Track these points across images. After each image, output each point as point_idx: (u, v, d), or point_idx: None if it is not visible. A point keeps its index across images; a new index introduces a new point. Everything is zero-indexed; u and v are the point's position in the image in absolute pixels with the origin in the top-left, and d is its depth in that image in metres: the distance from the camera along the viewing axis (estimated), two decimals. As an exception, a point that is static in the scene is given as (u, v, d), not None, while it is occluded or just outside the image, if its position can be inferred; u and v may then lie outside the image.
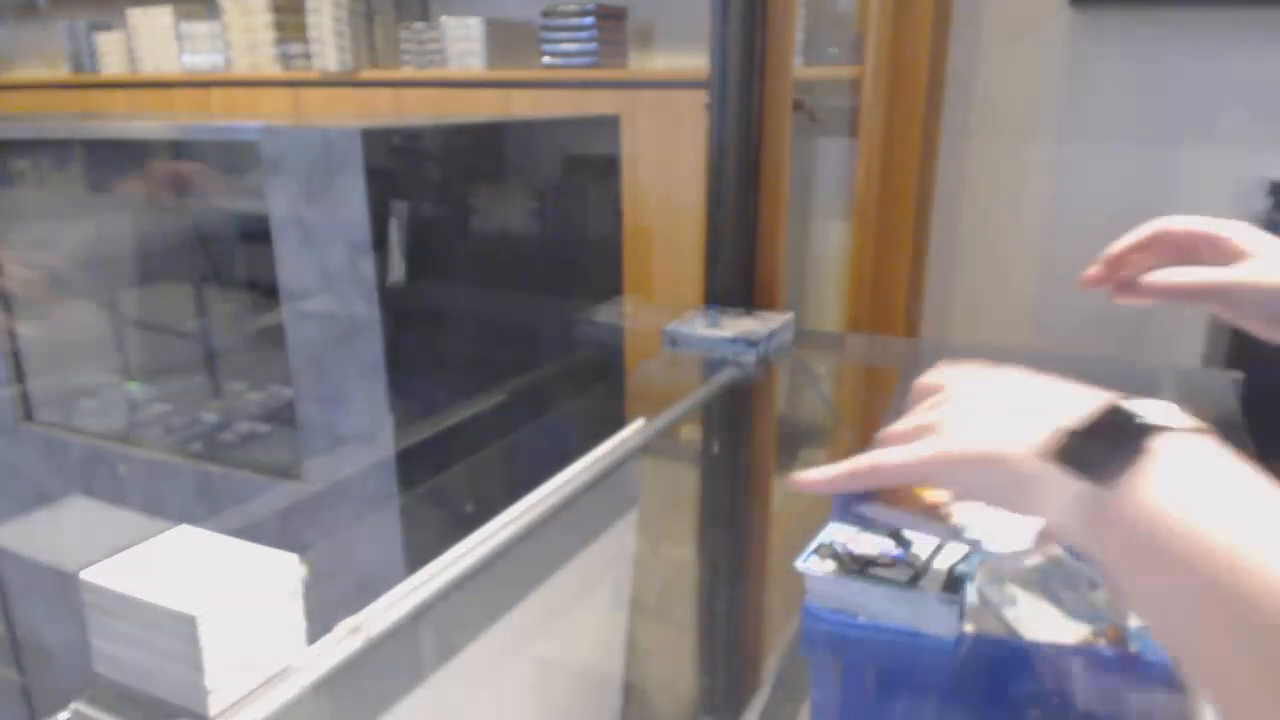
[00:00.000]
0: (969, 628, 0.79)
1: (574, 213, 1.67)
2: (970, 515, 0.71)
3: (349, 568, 1.33)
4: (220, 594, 0.62)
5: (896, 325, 2.74)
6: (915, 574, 0.74)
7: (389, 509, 1.31)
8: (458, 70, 3.21)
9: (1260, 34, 2.39)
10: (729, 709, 1.03)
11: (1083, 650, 0.77)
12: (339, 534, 1.37)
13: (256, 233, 1.35)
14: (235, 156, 1.75)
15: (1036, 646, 0.77)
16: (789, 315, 1.60)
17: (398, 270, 1.26)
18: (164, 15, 3.76)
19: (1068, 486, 0.47)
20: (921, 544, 0.79)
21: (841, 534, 0.81)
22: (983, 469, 0.53)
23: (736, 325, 1.51)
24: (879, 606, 0.75)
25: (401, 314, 1.28)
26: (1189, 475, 0.44)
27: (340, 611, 0.74)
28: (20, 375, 1.74)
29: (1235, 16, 2.41)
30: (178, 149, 1.83)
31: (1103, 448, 0.46)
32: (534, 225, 1.57)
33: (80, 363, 1.94)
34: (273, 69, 3.55)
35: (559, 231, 1.63)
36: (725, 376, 1.42)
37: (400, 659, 0.77)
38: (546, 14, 3.02)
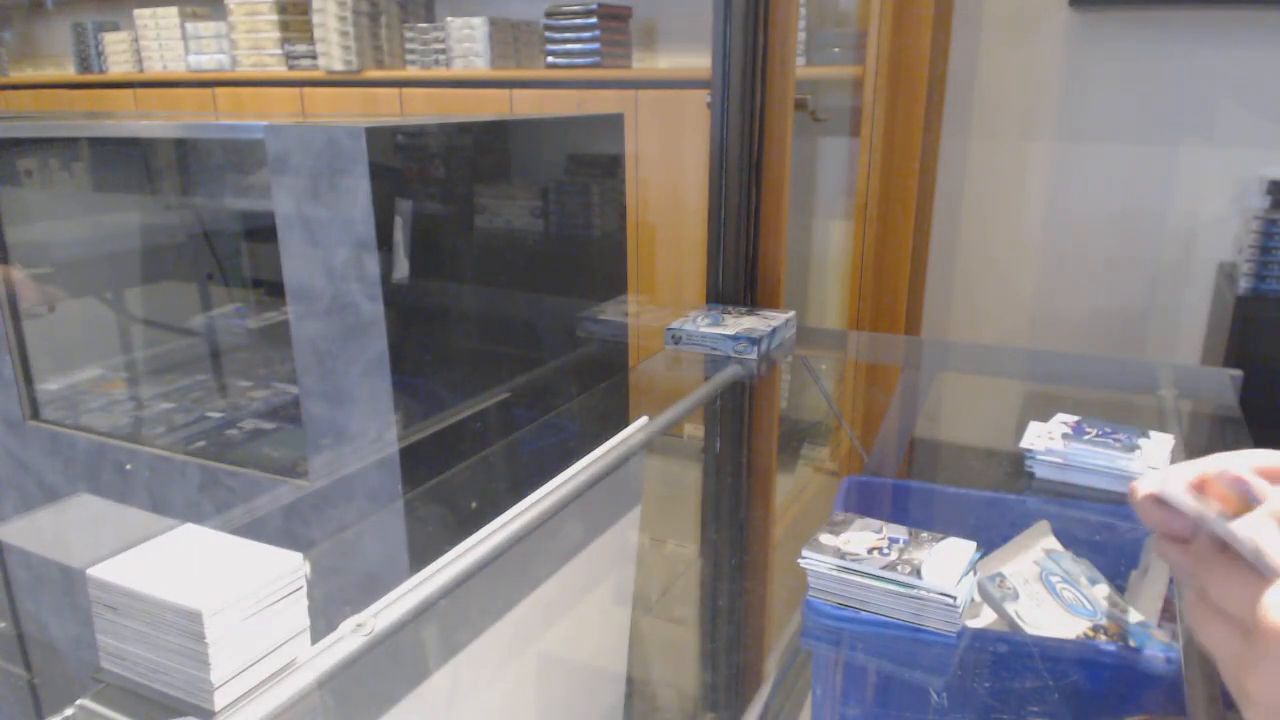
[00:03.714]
0: (970, 623, 0.79)
1: (578, 211, 1.67)
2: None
3: (353, 565, 1.33)
4: (226, 591, 0.62)
5: (897, 323, 2.74)
6: (917, 570, 0.75)
7: (393, 506, 1.32)
8: (462, 70, 3.22)
9: (1258, 34, 2.39)
10: (731, 705, 1.04)
11: (1082, 645, 0.78)
12: (344, 531, 1.37)
13: (261, 230, 1.36)
14: (240, 155, 1.75)
15: (1037, 641, 0.77)
16: (791, 313, 1.60)
17: (402, 268, 1.26)
18: (170, 15, 3.77)
19: None
20: (923, 541, 0.80)
21: (842, 530, 0.81)
22: None
23: (739, 323, 1.52)
24: (881, 602, 0.75)
25: (406, 311, 1.28)
26: None
27: (345, 608, 0.74)
28: (27, 373, 1.74)
29: (1233, 17, 2.41)
30: (183, 147, 1.84)
31: None
32: (538, 224, 1.58)
33: (85, 360, 1.95)
34: (278, 69, 3.56)
35: (563, 230, 1.64)
36: (728, 374, 1.43)
37: (404, 656, 0.77)
38: (550, 14, 3.03)
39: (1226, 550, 0.50)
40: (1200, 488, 0.53)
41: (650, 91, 2.76)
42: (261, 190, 1.39)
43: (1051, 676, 0.72)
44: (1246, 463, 0.56)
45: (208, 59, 3.74)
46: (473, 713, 0.88)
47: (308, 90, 3.45)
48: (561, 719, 1.03)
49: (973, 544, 0.79)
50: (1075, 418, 1.11)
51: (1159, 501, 0.53)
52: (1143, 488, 0.54)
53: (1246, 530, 0.49)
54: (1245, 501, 0.51)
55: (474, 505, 1.24)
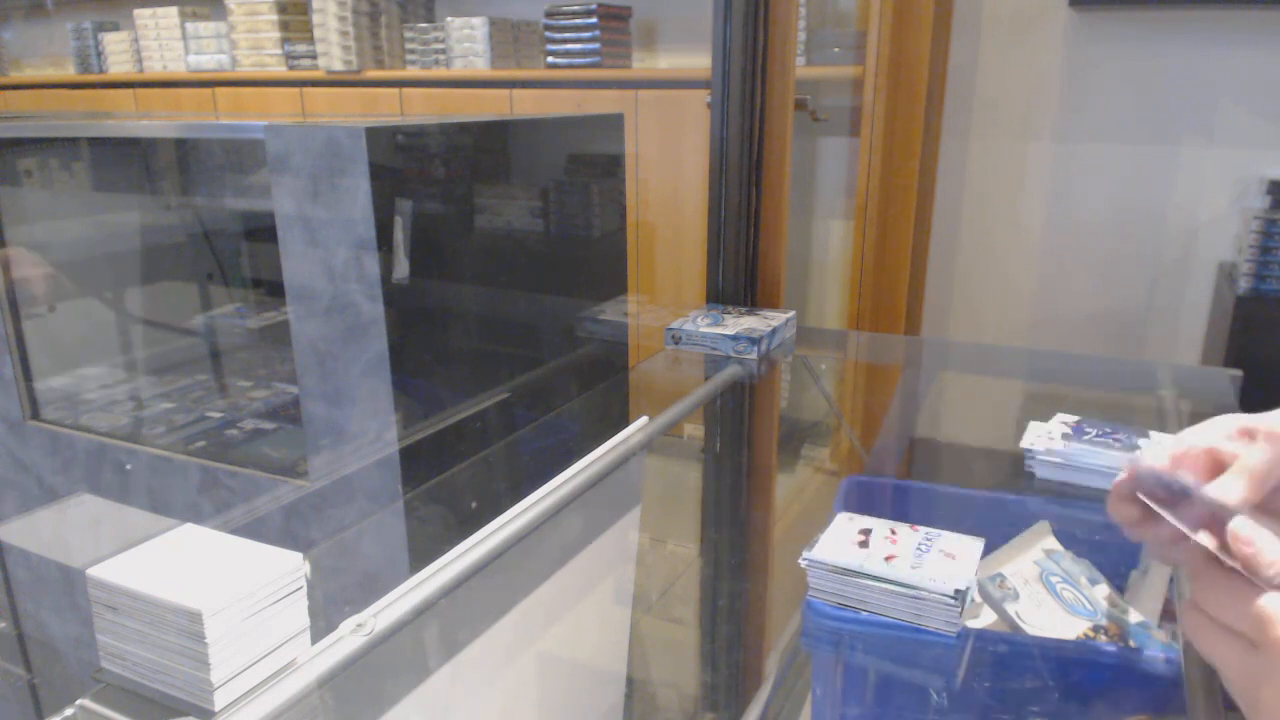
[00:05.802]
0: (970, 623, 0.79)
1: (578, 211, 1.67)
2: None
3: (353, 565, 1.33)
4: (226, 591, 0.62)
5: (897, 323, 2.74)
6: (918, 570, 0.75)
7: (393, 506, 1.31)
8: (462, 70, 3.22)
9: (1258, 34, 2.39)
10: (731, 705, 1.04)
11: (1083, 645, 0.78)
12: (344, 531, 1.37)
13: (261, 230, 1.36)
14: (240, 155, 1.75)
15: (1038, 642, 0.77)
16: (791, 313, 1.60)
17: (402, 268, 1.26)
18: (170, 15, 3.77)
19: None
20: (923, 541, 0.80)
21: (844, 530, 0.81)
22: None
23: (739, 323, 1.52)
24: (881, 602, 0.75)
25: (406, 311, 1.28)
26: None
27: (345, 608, 0.74)
28: (27, 373, 1.74)
29: (1233, 17, 2.41)
30: (183, 147, 1.84)
31: None
32: (538, 224, 1.57)
33: (84, 360, 1.94)
34: (278, 69, 3.56)
35: (563, 230, 1.64)
36: (728, 374, 1.43)
37: (404, 656, 0.77)
38: (550, 14, 3.03)
39: (1217, 560, 0.50)
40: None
41: (650, 91, 2.76)
42: (261, 190, 1.39)
43: (1051, 677, 0.72)
44: (1221, 431, 0.59)
45: (208, 59, 3.74)
46: (473, 713, 0.88)
47: (308, 90, 3.45)
48: (561, 719, 1.03)
49: (975, 540, 0.79)
50: (1075, 418, 1.11)
51: (1133, 500, 0.53)
52: (1114, 490, 0.53)
53: (1244, 531, 0.49)
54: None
55: (474, 505, 1.24)
